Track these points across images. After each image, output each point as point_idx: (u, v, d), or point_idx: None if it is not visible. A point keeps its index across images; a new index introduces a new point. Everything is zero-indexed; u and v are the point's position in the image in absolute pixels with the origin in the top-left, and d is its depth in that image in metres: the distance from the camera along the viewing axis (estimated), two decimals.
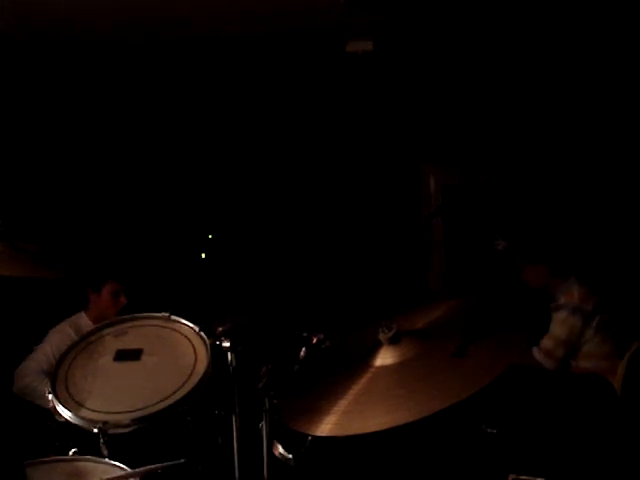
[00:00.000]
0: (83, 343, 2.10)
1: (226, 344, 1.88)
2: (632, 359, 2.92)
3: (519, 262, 3.35)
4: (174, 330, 2.12)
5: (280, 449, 1.66)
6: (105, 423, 1.80)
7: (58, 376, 1.96)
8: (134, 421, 1.81)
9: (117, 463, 1.70)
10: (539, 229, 3.61)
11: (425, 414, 1.29)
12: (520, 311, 1.62)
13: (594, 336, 3.08)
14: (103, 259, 3.68)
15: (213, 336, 1.95)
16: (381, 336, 1.56)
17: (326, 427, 1.40)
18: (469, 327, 1.54)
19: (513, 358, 1.40)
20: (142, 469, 1.66)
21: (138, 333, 2.14)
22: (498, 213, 4.59)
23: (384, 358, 1.54)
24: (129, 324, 2.19)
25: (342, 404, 1.44)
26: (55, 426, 2.12)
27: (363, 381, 1.50)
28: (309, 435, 1.56)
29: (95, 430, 1.79)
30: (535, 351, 3.13)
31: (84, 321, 3.19)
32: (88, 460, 1.73)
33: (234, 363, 1.88)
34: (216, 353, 1.95)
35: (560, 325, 3.11)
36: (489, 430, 2.00)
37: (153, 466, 1.69)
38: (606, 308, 3.15)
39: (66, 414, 1.84)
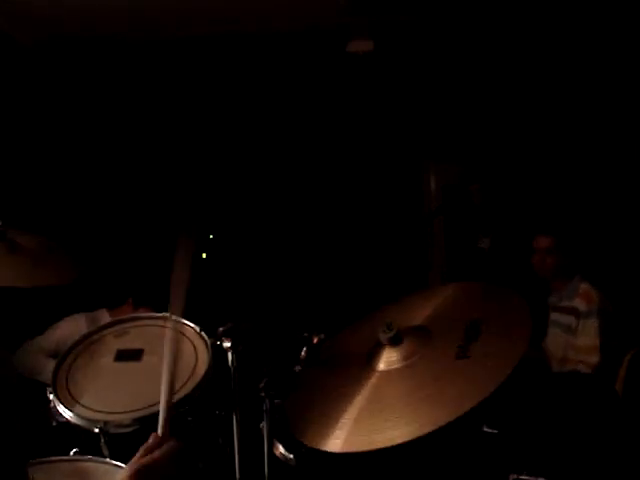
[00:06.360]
0: (84, 343, 2.10)
1: (227, 344, 1.88)
2: (633, 360, 2.92)
3: (553, 241, 3.21)
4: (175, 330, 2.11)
5: (281, 449, 1.66)
6: (106, 423, 1.79)
7: (59, 376, 1.96)
8: (135, 421, 1.81)
9: (118, 463, 1.70)
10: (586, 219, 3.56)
11: (450, 419, 1.28)
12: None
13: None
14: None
15: (214, 336, 1.95)
16: (381, 336, 1.53)
17: (343, 443, 1.38)
18: (468, 324, 1.53)
19: (522, 348, 1.38)
20: None
21: (139, 333, 2.13)
22: (484, 211, 4.54)
23: (387, 362, 1.51)
24: (130, 324, 2.18)
25: (353, 415, 1.41)
26: (54, 426, 2.12)
27: (369, 388, 1.47)
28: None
29: (96, 430, 1.79)
30: (582, 369, 3.02)
31: (104, 316, 3.17)
32: (89, 460, 1.73)
33: (235, 363, 1.88)
34: (217, 353, 1.95)
35: (596, 335, 3.01)
36: (490, 430, 2.00)
37: None
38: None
39: (67, 414, 1.84)
